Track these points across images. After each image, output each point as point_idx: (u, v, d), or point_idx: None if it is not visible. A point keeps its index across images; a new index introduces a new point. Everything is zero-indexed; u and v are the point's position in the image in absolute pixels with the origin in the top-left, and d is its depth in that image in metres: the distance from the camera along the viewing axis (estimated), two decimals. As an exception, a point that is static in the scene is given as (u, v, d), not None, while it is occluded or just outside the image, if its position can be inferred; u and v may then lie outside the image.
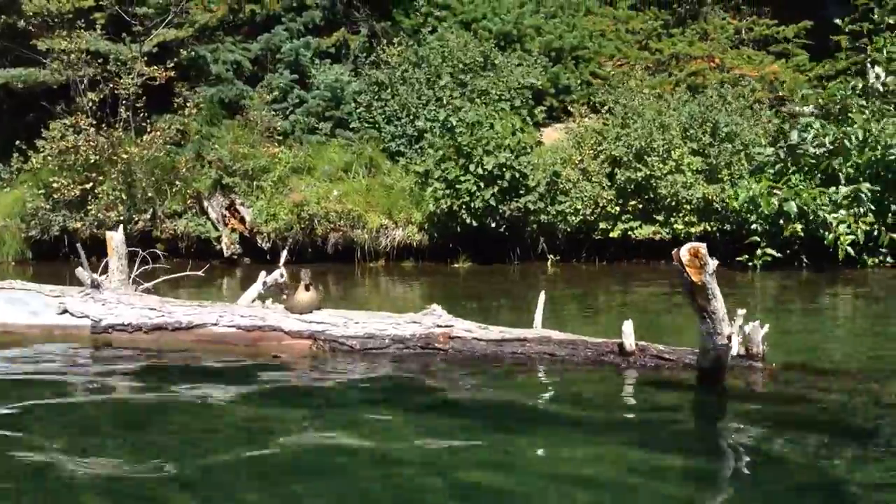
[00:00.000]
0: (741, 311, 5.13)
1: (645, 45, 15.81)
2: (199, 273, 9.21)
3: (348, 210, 12.91)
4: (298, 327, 6.53)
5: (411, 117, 13.89)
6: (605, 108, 13.02)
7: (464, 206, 12.28)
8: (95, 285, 7.24)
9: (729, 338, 4.80)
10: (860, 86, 11.47)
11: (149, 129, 13.63)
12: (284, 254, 13.25)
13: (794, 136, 11.68)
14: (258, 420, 4.97)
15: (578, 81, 15.27)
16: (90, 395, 5.59)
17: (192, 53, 14.31)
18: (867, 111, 11.44)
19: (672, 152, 12.02)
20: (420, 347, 6.21)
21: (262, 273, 8.40)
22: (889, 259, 11.60)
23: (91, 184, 13.29)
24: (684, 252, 4.61)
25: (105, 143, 13.25)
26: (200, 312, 6.85)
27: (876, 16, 11.43)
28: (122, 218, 13.30)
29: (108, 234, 7.59)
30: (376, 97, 14.30)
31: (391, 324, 6.40)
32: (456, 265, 12.85)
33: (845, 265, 11.53)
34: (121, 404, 5.42)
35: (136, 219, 13.51)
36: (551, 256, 12.83)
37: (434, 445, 4.30)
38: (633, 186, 12.18)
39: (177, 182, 13.59)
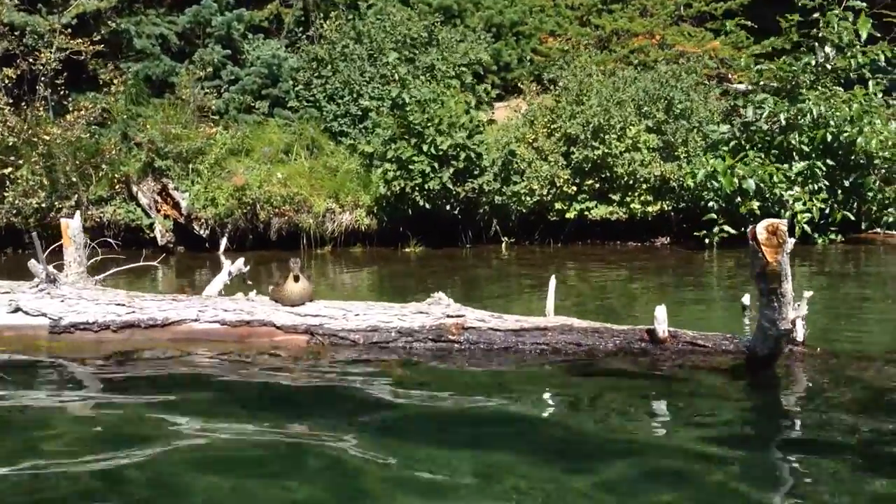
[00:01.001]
0: (808, 294, 4.84)
1: (585, 21, 15.59)
2: (155, 263, 8.48)
3: (293, 194, 12.25)
4: (292, 321, 5.97)
5: (354, 95, 13.29)
6: (558, 84, 12.70)
7: (416, 188, 11.80)
8: (51, 279, 6.48)
9: (793, 322, 4.51)
10: (813, 63, 11.49)
11: (71, 109, 12.61)
12: (224, 241, 12.69)
13: (749, 113, 11.63)
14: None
15: (518, 59, 14.95)
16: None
17: (115, 26, 13.30)
18: (819, 88, 11.48)
19: (627, 130, 11.81)
20: (431, 340, 5.74)
21: (227, 262, 7.80)
22: (839, 236, 11.68)
23: (8, 168, 12.22)
24: (761, 229, 4.28)
25: (22, 123, 12.18)
26: (177, 307, 6.20)
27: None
28: (42, 205, 12.31)
29: (64, 221, 6.81)
30: (316, 74, 13.64)
31: (395, 315, 5.90)
32: (407, 250, 12.37)
33: (800, 242, 11.56)
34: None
35: (59, 206, 12.50)
36: (505, 239, 12.50)
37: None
38: (589, 165, 11.92)
39: (102, 166, 12.65)
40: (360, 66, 13.41)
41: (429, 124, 11.60)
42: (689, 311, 8.05)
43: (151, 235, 12.65)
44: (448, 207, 11.97)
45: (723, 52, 14.69)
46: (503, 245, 12.45)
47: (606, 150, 11.71)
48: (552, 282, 6.15)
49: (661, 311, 5.29)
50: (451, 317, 5.81)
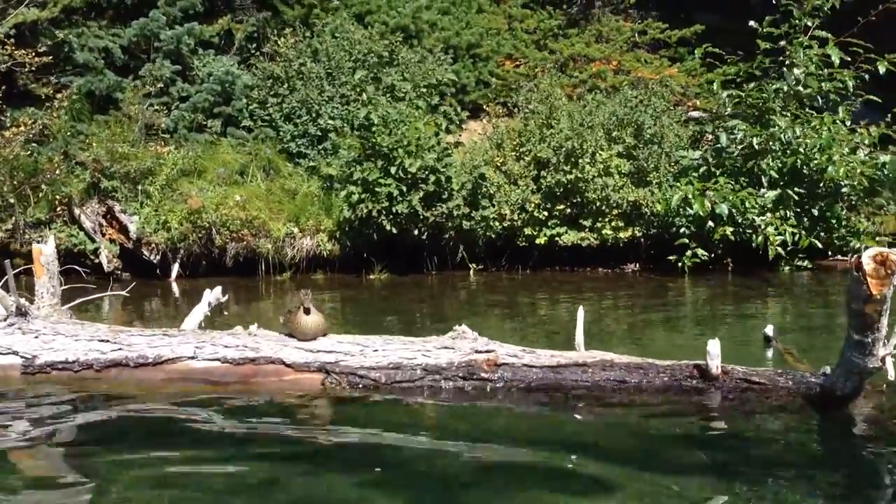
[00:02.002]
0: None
1: (543, 46, 15.42)
2: (124, 293, 7.79)
3: (252, 217, 11.61)
4: (304, 358, 5.43)
5: (313, 115, 12.75)
6: (527, 107, 12.42)
7: (383, 212, 11.32)
8: (22, 312, 5.79)
9: (883, 360, 4.24)
10: (785, 88, 11.50)
11: (8, 125, 11.72)
12: (176, 267, 11.93)
13: (722, 139, 11.56)
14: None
15: (475, 81, 14.67)
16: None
17: (59, 37, 12.47)
18: (788, 114, 11.48)
19: (597, 154, 11.60)
20: (461, 378, 5.29)
21: (207, 291, 7.20)
22: (806, 262, 11.66)
23: (-62, 188, 11.27)
24: (867, 259, 3.99)
25: (-46, 140, 11.27)
26: (171, 342, 5.60)
27: (795, 16, 11.47)
28: (-25, 229, 11.39)
29: (36, 247, 6.15)
30: (271, 93, 13.05)
31: (419, 351, 5.43)
32: (372, 276, 11.85)
33: (768, 269, 11.53)
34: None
35: (-7, 229, 11.59)
36: (473, 265, 12.10)
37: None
38: (561, 190, 11.65)
39: (42, 186, 11.77)
40: (318, 85, 12.89)
41: (397, 146, 11.15)
42: (674, 339, 7.80)
43: (96, 261, 11.81)
44: (416, 232, 11.51)
45: (678, 80, 14.69)
46: (471, 272, 12.05)
47: (579, 175, 11.46)
48: (580, 313, 5.77)
49: (714, 346, 4.97)
50: (481, 352, 5.38)
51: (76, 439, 4.66)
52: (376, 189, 11.22)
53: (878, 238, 11.69)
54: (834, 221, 11.77)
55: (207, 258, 11.90)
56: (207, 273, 11.84)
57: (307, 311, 5.53)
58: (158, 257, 11.77)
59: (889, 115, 11.91)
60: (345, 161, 11.84)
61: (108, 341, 5.64)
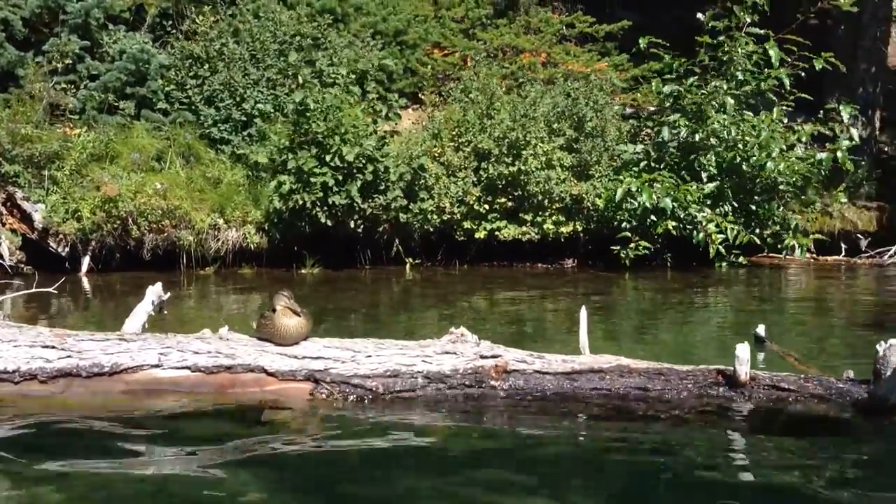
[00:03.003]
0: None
1: (471, 35, 15.02)
2: (51, 289, 6.92)
3: (174, 207, 10.75)
4: (288, 365, 4.82)
5: (237, 99, 11.95)
6: (467, 96, 11.97)
7: (318, 203, 10.67)
8: (-56, 316, 4.96)
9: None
10: (725, 86, 11.43)
11: None
12: (87, 261, 10.94)
13: (664, 134, 11.41)
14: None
15: (403, 69, 14.14)
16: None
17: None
18: (727, 111, 11.43)
19: (541, 146, 11.27)
20: (467, 387, 4.78)
21: (150, 288, 6.45)
22: (741, 258, 11.66)
23: None
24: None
25: None
26: (130, 348, 4.88)
27: (737, 11, 11.40)
28: None
29: (-37, 240, 5.28)
30: (190, 74, 12.17)
31: (417, 356, 4.89)
32: (303, 271, 11.18)
33: (705, 264, 11.48)
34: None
35: None
36: (409, 260, 11.58)
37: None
38: (503, 182, 11.27)
39: (-68, 170, 10.60)
40: (242, 68, 12.09)
41: (333, 133, 10.52)
42: (629, 335, 7.54)
43: (-5, 254, 10.71)
44: (352, 225, 10.90)
45: (607, 74, 14.54)
46: (407, 267, 11.53)
47: (522, 167, 11.10)
48: (583, 314, 5.35)
49: (743, 350, 4.63)
50: (486, 357, 4.89)
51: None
52: (311, 179, 10.56)
53: (810, 235, 11.81)
54: (768, 218, 11.79)
55: (122, 251, 10.98)
56: (122, 267, 10.94)
57: (290, 312, 4.92)
58: (67, 249, 10.77)
59: (821, 112, 12.04)
60: (275, 148, 11.12)
61: (53, 347, 4.87)
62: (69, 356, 4.83)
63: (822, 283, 11.22)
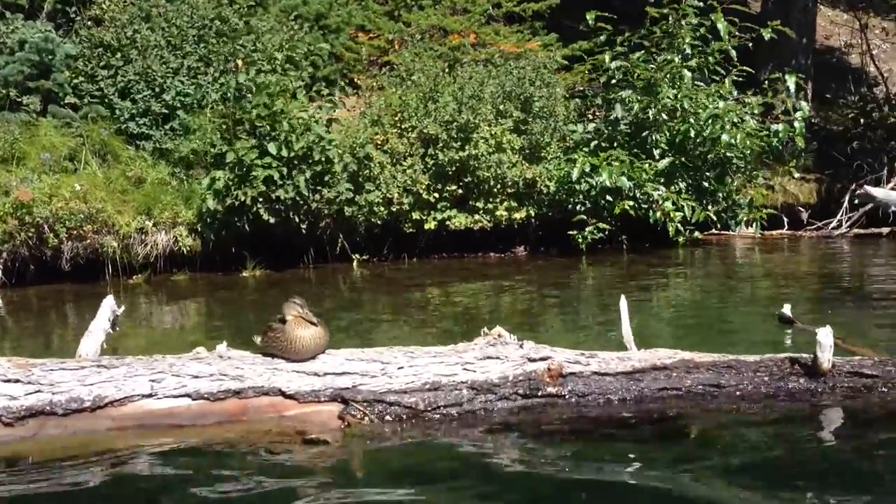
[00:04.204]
0: None
1: (397, 17, 14.31)
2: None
3: (95, 211, 9.70)
4: (309, 384, 4.09)
5: (156, 90, 10.91)
6: (409, 78, 11.27)
7: (260, 199, 9.81)
8: None
9: None
10: (677, 59, 11.09)
11: None
12: (-2, 274, 9.76)
13: (617, 110, 11.00)
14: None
15: (328, 54, 13.33)
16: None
17: None
18: (686, 82, 11.10)
19: (491, 129, 10.70)
20: (521, 396, 4.16)
21: (104, 302, 5.58)
22: (696, 233, 11.38)
23: None
24: None
25: None
26: (113, 376, 4.06)
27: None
28: None
29: None
30: (101, 64, 11.04)
31: (457, 364, 4.24)
32: (245, 274, 10.29)
33: (662, 244, 11.17)
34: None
35: None
36: (356, 256, 10.83)
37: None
38: (453, 169, 10.65)
39: None
40: (159, 56, 11.05)
41: (277, 120, 9.68)
42: (590, 326, 7.09)
43: None
44: (298, 221, 10.08)
45: (537, 53, 14.09)
46: (354, 263, 10.77)
47: (472, 152, 10.50)
48: (623, 305, 4.81)
49: (825, 335, 4.16)
50: (535, 360, 4.28)
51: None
52: (252, 172, 9.69)
53: (763, 209, 11.65)
54: (719, 193, 11.56)
55: (38, 262, 9.83)
56: (38, 280, 9.80)
57: (303, 322, 4.18)
58: (-28, 262, 9.57)
59: (765, 83, 11.88)
60: (206, 142, 10.19)
61: (18, 381, 4.00)
62: (38, 391, 3.98)
63: (779, 257, 11.11)
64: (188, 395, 4.02)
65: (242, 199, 9.74)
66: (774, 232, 12.59)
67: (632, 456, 3.61)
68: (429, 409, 4.07)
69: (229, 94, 10.11)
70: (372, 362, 4.21)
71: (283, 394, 4.05)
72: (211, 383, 4.05)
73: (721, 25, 11.08)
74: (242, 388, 4.05)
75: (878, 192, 11.59)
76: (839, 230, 12.30)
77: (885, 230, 11.96)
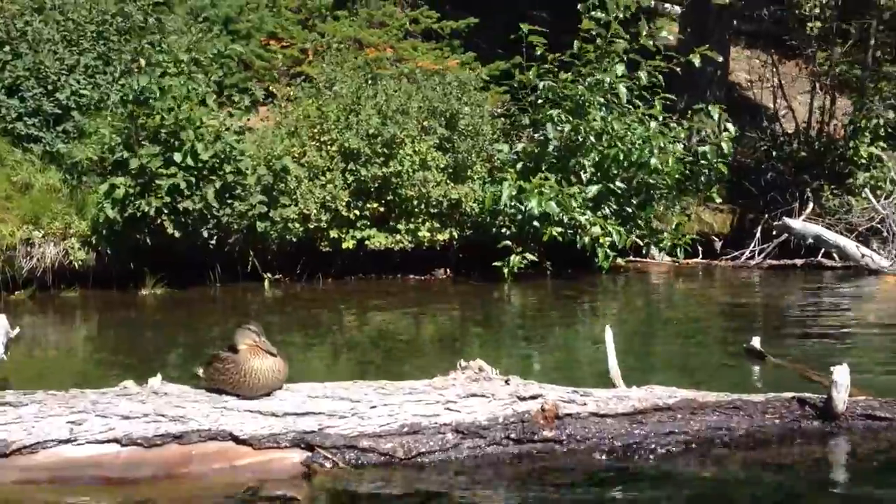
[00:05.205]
0: None
1: (311, 26, 13.65)
2: None
3: (-25, 218, 8.67)
4: (267, 427, 3.43)
5: (49, 88, 9.92)
6: (329, 89, 10.62)
7: (165, 210, 8.97)
8: None
9: None
10: (607, 80, 10.84)
11: None
12: None
13: (549, 131, 10.63)
14: None
15: (238, 60, 12.56)
16: None
17: None
18: (609, 109, 10.85)
19: (416, 145, 10.17)
20: (513, 441, 3.60)
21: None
22: (619, 260, 11.14)
23: None
24: None
25: None
26: (21, 416, 3.29)
27: (609, 4, 10.85)
28: None
29: None
30: (-16, 57, 9.99)
31: (438, 402, 3.66)
32: (144, 292, 9.38)
33: (587, 271, 10.87)
34: None
35: None
36: (267, 276, 10.06)
37: None
38: (376, 185, 10.05)
39: None
40: (53, 51, 10.06)
41: (184, 127, 8.88)
42: (528, 356, 6.68)
43: None
44: (206, 235, 9.26)
45: (458, 71, 13.70)
46: (265, 283, 10.00)
47: (398, 168, 9.94)
48: (609, 336, 4.33)
49: (842, 374, 3.78)
50: (526, 398, 3.74)
51: None
52: (156, 181, 8.84)
53: (687, 237, 11.53)
54: (642, 220, 11.38)
55: None
56: None
57: (258, 353, 3.52)
58: None
59: (689, 113, 11.83)
60: (105, 147, 9.29)
61: None
62: (-76, 435, 3.17)
63: (702, 285, 11.03)
64: (117, 441, 3.29)
65: (146, 209, 8.87)
66: (690, 260, 12.49)
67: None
68: (409, 456, 3.46)
69: (131, 97, 9.23)
70: (339, 400, 3.57)
71: (234, 438, 3.37)
72: (145, 426, 3.33)
73: (644, 40, 10.93)
74: (185, 431, 3.34)
75: (796, 224, 11.64)
76: (754, 260, 12.31)
77: (799, 261, 12.01)
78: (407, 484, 3.34)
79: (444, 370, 5.83)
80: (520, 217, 10.32)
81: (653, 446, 3.66)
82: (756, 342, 5.65)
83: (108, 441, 3.28)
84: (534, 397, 3.73)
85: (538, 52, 11.18)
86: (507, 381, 3.81)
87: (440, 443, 3.52)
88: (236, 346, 3.55)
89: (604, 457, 3.59)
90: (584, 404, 3.75)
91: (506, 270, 10.25)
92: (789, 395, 3.99)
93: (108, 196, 9.08)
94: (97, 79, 10.22)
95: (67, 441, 3.25)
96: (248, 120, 10.26)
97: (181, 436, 3.33)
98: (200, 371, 3.65)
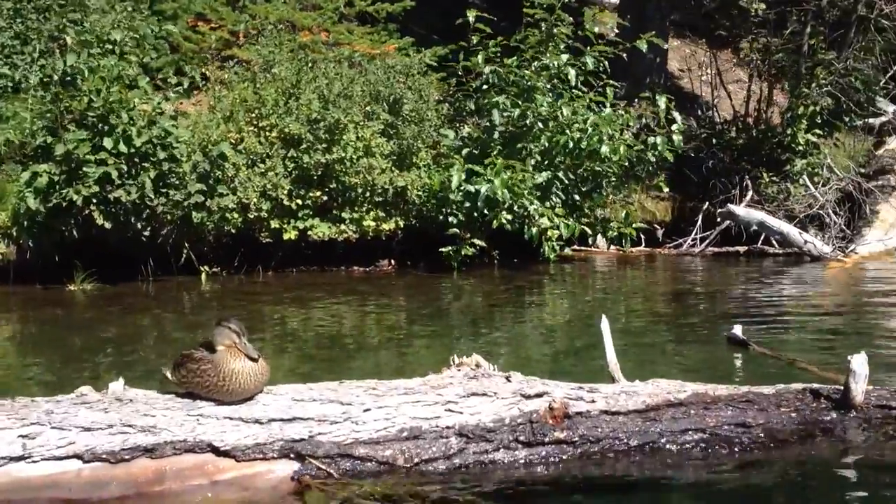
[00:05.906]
0: None
1: (240, 8, 13.07)
2: None
3: None
4: (252, 436, 3.03)
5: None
6: (268, 72, 10.11)
7: (94, 200, 8.36)
8: None
9: None
10: (556, 64, 10.58)
11: None
12: None
13: (495, 117, 10.33)
14: None
15: (165, 42, 11.94)
16: None
17: None
18: (558, 94, 10.60)
19: (360, 131, 9.76)
20: (522, 444, 3.28)
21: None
22: (565, 249, 10.95)
23: None
24: None
25: None
26: (-36, 435, 2.81)
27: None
28: None
29: None
30: None
31: (437, 403, 3.31)
32: (72, 287, 8.75)
33: (534, 259, 10.64)
34: None
35: None
36: (204, 269, 9.52)
37: None
38: (318, 173, 9.61)
39: None
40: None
41: (115, 111, 8.28)
42: (481, 346, 6.41)
43: None
44: (140, 227, 8.68)
45: (395, 57, 13.32)
46: (202, 276, 9.46)
47: (341, 155, 9.51)
48: (605, 326, 4.05)
49: (860, 363, 3.57)
50: (531, 396, 3.42)
51: None
52: (84, 169, 8.23)
53: (633, 225, 11.39)
54: (588, 208, 11.19)
55: None
56: None
57: (238, 354, 3.11)
58: None
59: (635, 100, 11.70)
60: (24, 132, 8.63)
61: None
62: None
63: (649, 274, 10.93)
64: (78, 456, 2.85)
65: (74, 198, 8.25)
66: (633, 249, 12.39)
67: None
68: (410, 464, 3.11)
69: (56, 78, 8.58)
70: (329, 403, 3.19)
71: (214, 450, 2.96)
72: (110, 438, 2.90)
73: (589, 25, 10.73)
74: (156, 443, 2.92)
75: (740, 211, 11.63)
76: (696, 248, 12.27)
77: (742, 248, 12.03)
78: (407, 493, 2.98)
79: (395, 366, 5.54)
80: (468, 204, 10.01)
81: (669, 445, 3.39)
82: (738, 330, 5.46)
83: (68, 457, 2.84)
84: (539, 395, 3.42)
85: (475, 40, 10.88)
86: (508, 378, 3.48)
87: (443, 448, 3.18)
88: (214, 345, 3.13)
89: (620, 458, 3.30)
90: (593, 401, 3.46)
91: (454, 260, 9.94)
92: (800, 385, 3.77)
93: (29, 185, 8.42)
94: (14, 59, 9.52)
95: (20, 458, 2.80)
96: (181, 104, 9.69)
97: (152, 448, 2.91)
98: (169, 373, 3.22)
